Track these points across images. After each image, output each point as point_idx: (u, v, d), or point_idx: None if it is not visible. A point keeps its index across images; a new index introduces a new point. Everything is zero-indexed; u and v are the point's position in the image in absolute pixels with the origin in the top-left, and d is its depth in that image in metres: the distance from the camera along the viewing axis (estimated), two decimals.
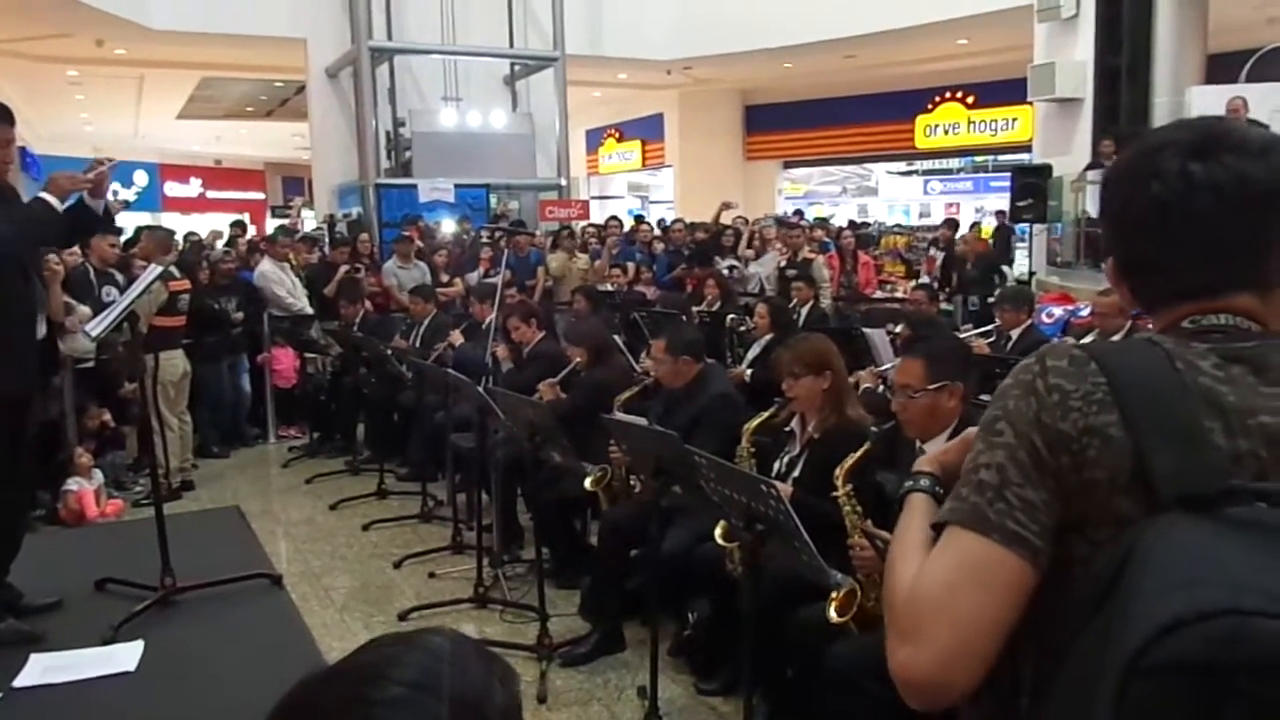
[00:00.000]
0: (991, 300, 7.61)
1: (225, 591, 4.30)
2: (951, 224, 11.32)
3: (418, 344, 6.75)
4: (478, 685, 0.73)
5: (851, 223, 13.15)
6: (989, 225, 12.81)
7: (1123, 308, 1.17)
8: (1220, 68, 10.19)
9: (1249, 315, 0.99)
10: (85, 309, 5.58)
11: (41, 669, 3.55)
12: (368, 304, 7.79)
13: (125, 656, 3.65)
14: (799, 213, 14.26)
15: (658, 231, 10.88)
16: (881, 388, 4.81)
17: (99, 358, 6.03)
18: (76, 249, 6.34)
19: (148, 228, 8.05)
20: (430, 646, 0.75)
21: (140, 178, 23.03)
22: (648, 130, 19.79)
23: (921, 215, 18.34)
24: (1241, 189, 0.95)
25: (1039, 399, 0.96)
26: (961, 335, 5.47)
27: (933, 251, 11.03)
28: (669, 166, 19.31)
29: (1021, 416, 0.96)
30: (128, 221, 9.62)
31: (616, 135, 21.05)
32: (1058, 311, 7.54)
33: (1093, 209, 8.82)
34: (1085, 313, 6.76)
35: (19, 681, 3.47)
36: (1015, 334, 5.53)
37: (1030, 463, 0.94)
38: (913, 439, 2.77)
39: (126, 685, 3.49)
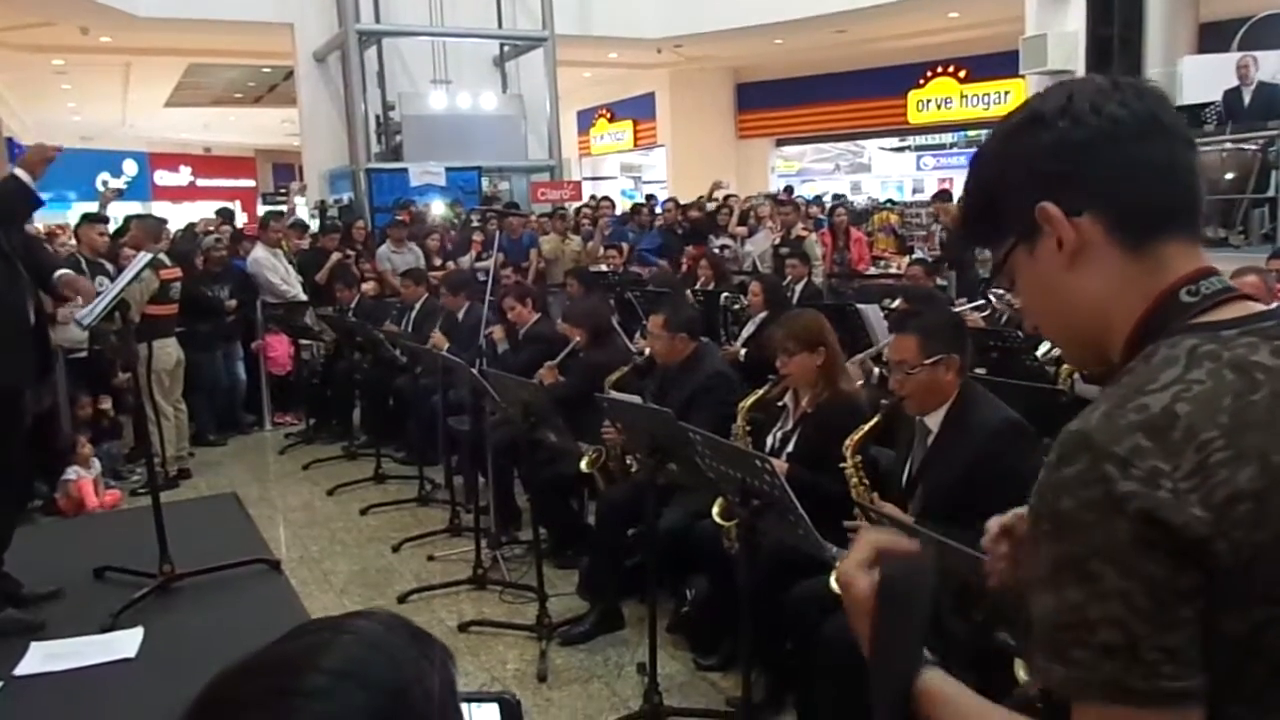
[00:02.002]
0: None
1: (224, 577, 4.31)
2: (944, 195, 11.30)
3: (410, 328, 6.73)
4: (408, 671, 0.69)
5: (837, 197, 13.15)
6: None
7: (1069, 246, 0.88)
8: (1213, 36, 10.16)
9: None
10: (77, 298, 5.55)
11: (42, 657, 3.56)
12: (365, 288, 7.77)
13: (125, 643, 3.67)
14: (789, 189, 14.23)
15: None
16: (877, 372, 4.81)
17: (92, 348, 6.02)
18: (72, 240, 6.33)
19: (137, 217, 8.00)
20: (359, 631, 0.70)
21: (129, 167, 22.87)
22: (639, 110, 19.71)
23: (915, 191, 18.31)
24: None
25: (1142, 503, 0.75)
26: (956, 308, 5.47)
27: (934, 226, 11.00)
28: (661, 146, 19.24)
29: (1117, 548, 0.75)
30: (118, 211, 9.57)
31: (608, 115, 20.96)
32: None
33: None
34: None
35: (20, 669, 3.48)
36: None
37: (1152, 605, 0.75)
38: (912, 415, 2.78)
39: (127, 671, 3.51)
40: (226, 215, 10.72)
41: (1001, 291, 4.97)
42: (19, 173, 3.69)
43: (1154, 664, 0.75)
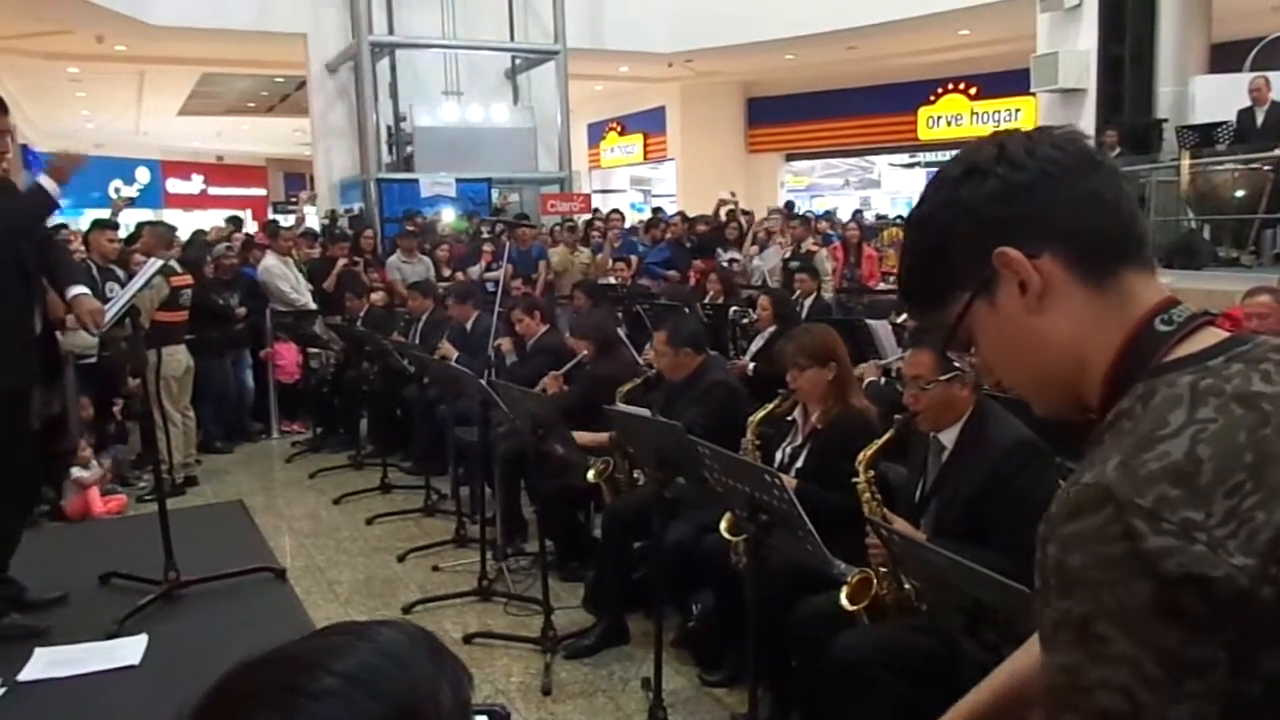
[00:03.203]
0: None
1: (229, 586, 4.30)
2: None
3: (417, 339, 6.74)
4: (420, 686, 0.69)
5: (855, 214, 13.16)
6: None
7: (1034, 289, 0.85)
8: (1225, 56, 10.16)
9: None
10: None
11: (46, 663, 3.55)
12: (374, 298, 7.78)
13: (129, 650, 3.65)
14: (789, 205, 14.26)
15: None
16: (884, 380, 4.80)
17: (101, 354, 6.03)
18: (81, 246, 6.35)
19: (149, 223, 8.04)
20: (379, 640, 0.70)
21: (142, 174, 23.04)
22: (649, 123, 19.77)
23: None
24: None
25: (1178, 561, 0.70)
26: None
27: None
28: (671, 160, 19.29)
29: (1130, 612, 0.70)
30: (129, 217, 9.62)
31: (618, 129, 21.03)
32: None
33: None
34: None
35: (24, 675, 3.47)
36: None
37: (1164, 676, 0.70)
38: (925, 431, 2.76)
39: (131, 679, 3.49)
40: (236, 223, 10.78)
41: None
42: (44, 182, 3.67)
43: None
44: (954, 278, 0.91)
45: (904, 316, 5.53)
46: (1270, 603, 0.70)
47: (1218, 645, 0.70)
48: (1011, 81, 13.83)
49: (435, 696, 0.69)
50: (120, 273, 6.23)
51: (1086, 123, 9.61)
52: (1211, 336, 0.85)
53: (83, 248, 6.34)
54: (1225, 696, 0.71)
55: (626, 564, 3.88)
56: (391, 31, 11.90)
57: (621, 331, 5.78)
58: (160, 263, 4.63)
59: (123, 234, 7.18)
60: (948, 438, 2.71)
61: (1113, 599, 0.71)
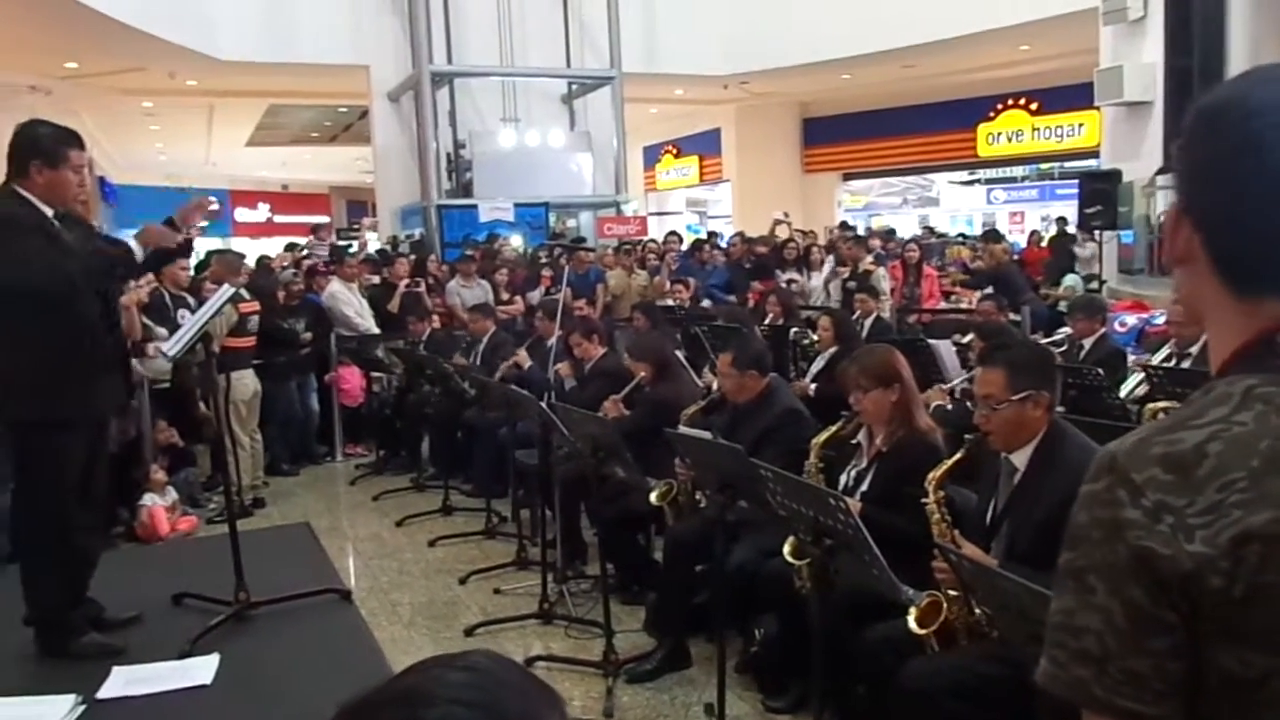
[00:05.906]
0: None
1: (297, 606, 4.36)
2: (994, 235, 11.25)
3: (478, 361, 6.81)
4: (530, 707, 0.71)
5: (920, 234, 13.06)
6: (1050, 233, 12.74)
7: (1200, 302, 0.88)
8: None
9: None
10: (163, 331, 5.73)
11: (123, 681, 3.63)
12: (435, 320, 7.90)
13: (202, 669, 3.72)
14: (844, 224, 14.19)
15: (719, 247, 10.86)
16: (951, 405, 4.72)
17: (173, 379, 6.19)
18: (150, 275, 6.55)
19: (218, 252, 8.27)
20: (480, 667, 0.73)
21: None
22: (705, 145, 19.82)
23: (985, 225, 18.07)
24: None
25: (1138, 534, 0.78)
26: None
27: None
28: (727, 181, 19.30)
29: (1112, 569, 0.79)
30: (199, 247, 9.92)
31: (674, 151, 21.12)
32: (1131, 320, 7.33)
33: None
34: (1160, 321, 6.56)
35: (102, 693, 3.55)
36: (1088, 344, 5.38)
37: (1129, 629, 0.79)
38: (997, 451, 2.69)
39: (203, 697, 3.56)
40: (295, 249, 11.12)
41: None
42: (135, 246, 3.78)
43: (1116, 682, 0.79)
44: None
45: (969, 337, 5.44)
46: (1217, 591, 0.76)
47: (1173, 611, 0.78)
48: (1074, 96, 13.60)
49: (542, 716, 0.71)
50: (191, 300, 6.41)
51: (1154, 137, 9.39)
52: None
53: (152, 277, 6.53)
54: (1189, 667, 0.78)
55: (688, 587, 3.85)
56: (450, 61, 12.13)
57: (680, 354, 5.77)
58: (231, 290, 4.74)
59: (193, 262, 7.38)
60: (1020, 459, 2.64)
61: (1100, 555, 0.80)
